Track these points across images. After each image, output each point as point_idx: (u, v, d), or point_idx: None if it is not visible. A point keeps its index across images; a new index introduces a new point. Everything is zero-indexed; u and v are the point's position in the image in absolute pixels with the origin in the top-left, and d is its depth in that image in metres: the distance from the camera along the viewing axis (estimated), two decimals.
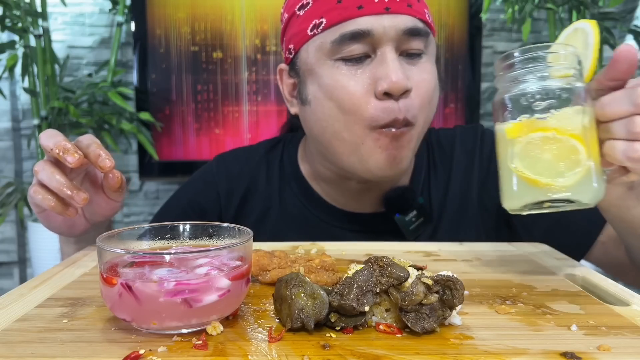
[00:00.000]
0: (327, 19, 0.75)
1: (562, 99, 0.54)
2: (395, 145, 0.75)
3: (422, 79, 0.76)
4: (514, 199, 0.58)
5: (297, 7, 0.79)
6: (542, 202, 0.56)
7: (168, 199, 0.99)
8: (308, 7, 0.77)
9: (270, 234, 0.86)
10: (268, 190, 0.93)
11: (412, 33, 0.74)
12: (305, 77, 0.80)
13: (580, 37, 0.60)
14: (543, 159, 0.54)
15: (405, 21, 0.73)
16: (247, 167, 0.95)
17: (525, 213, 0.58)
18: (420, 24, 0.75)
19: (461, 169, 0.92)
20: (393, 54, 0.73)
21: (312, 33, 0.77)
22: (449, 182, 0.91)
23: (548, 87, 0.54)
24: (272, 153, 0.96)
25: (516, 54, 0.56)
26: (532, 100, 0.55)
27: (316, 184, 0.91)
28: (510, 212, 0.59)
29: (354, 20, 0.73)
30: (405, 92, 0.73)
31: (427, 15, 0.77)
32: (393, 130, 0.74)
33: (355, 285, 0.45)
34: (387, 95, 0.73)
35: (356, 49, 0.74)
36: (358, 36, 0.73)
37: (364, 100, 0.74)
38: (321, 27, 0.75)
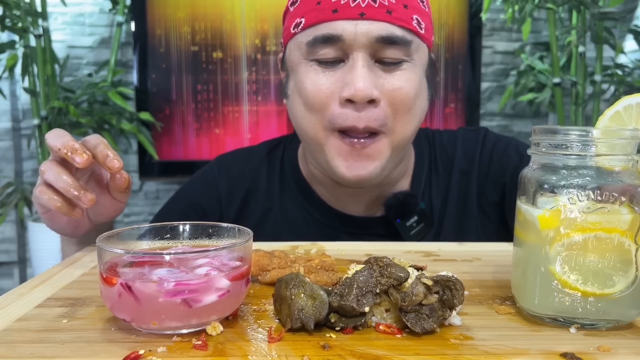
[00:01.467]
0: (306, 20, 0.75)
1: (613, 199, 0.45)
2: (357, 156, 0.75)
3: (396, 88, 0.73)
4: (541, 305, 0.47)
5: (290, 2, 0.80)
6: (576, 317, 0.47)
7: (168, 199, 0.98)
8: (297, 4, 0.78)
9: (271, 235, 0.86)
10: (269, 192, 0.93)
11: (387, 41, 0.72)
12: (289, 72, 0.81)
13: (636, 114, 0.49)
14: (585, 264, 0.45)
15: (380, 28, 0.72)
16: (247, 168, 0.95)
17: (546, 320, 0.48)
18: (398, 32, 0.72)
19: (461, 173, 0.91)
20: (363, 61, 0.72)
21: (294, 31, 0.77)
22: (449, 187, 0.90)
23: (603, 185, 0.45)
24: (273, 154, 0.96)
25: (568, 134, 0.46)
26: (576, 194, 0.45)
27: (316, 185, 0.91)
28: (528, 313, 0.49)
29: (328, 24, 0.73)
30: (371, 102, 0.72)
31: (414, 23, 0.74)
32: (354, 140, 0.74)
33: (355, 285, 0.45)
34: (351, 102, 0.72)
35: (328, 52, 0.73)
36: (329, 40, 0.72)
37: (327, 102, 0.74)
38: (300, 27, 0.76)
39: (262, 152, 0.97)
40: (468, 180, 0.90)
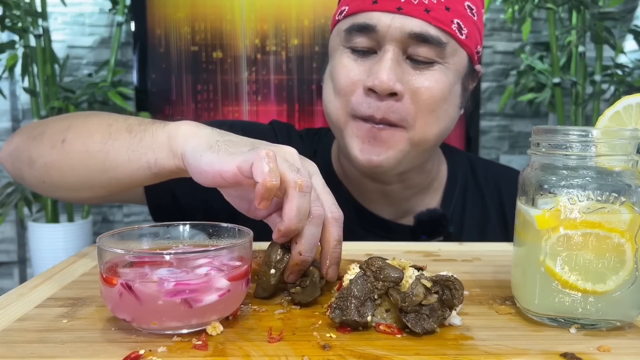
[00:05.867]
0: (349, 8, 0.77)
1: (613, 199, 0.45)
2: (373, 141, 0.75)
3: (423, 86, 0.73)
4: (541, 305, 0.47)
5: None
6: (577, 318, 0.47)
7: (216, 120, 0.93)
8: None
9: None
10: None
11: (420, 38, 0.72)
12: (329, 57, 0.83)
13: (636, 114, 0.49)
14: (585, 264, 0.45)
15: (414, 25, 0.72)
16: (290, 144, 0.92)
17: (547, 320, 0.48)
18: (432, 31, 0.72)
19: (501, 209, 0.90)
20: (393, 54, 0.73)
21: (337, 18, 0.80)
22: (488, 223, 0.89)
23: (603, 186, 0.45)
24: (309, 141, 0.95)
25: (568, 134, 0.46)
26: (576, 194, 0.45)
27: (346, 181, 0.89)
28: (528, 314, 0.50)
29: (366, 14, 0.74)
30: (393, 95, 0.73)
31: (453, 27, 0.74)
32: (372, 125, 0.74)
33: (352, 295, 0.45)
34: (373, 92, 0.73)
35: (362, 41, 0.75)
36: (364, 29, 0.74)
37: (352, 89, 0.75)
38: (343, 14, 0.78)
39: (303, 136, 0.95)
40: (505, 223, 0.90)
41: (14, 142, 0.75)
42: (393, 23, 0.72)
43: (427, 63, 0.74)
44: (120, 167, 0.63)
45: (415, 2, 0.72)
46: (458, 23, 0.75)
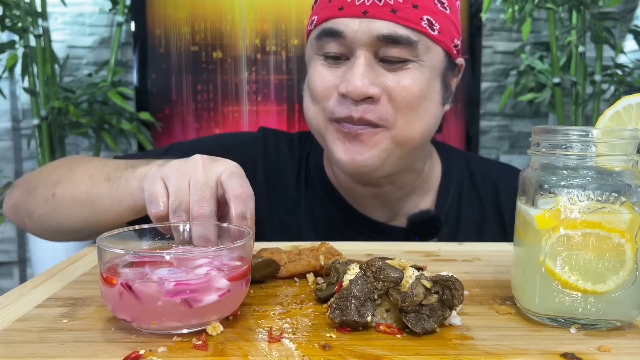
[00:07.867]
0: (318, 17, 0.77)
1: (613, 199, 0.45)
2: (353, 141, 0.75)
3: (398, 86, 0.73)
4: (541, 305, 0.47)
5: (314, 1, 0.83)
6: (577, 318, 0.47)
7: (197, 138, 0.95)
8: (316, 3, 0.81)
9: (295, 229, 0.85)
10: (296, 184, 0.91)
11: (389, 40, 0.72)
12: (306, 67, 0.83)
13: (636, 114, 0.49)
14: (585, 264, 0.45)
15: (381, 27, 0.71)
16: (284, 152, 0.93)
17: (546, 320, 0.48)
18: (401, 32, 0.72)
19: (498, 209, 0.90)
20: (364, 58, 0.72)
21: (309, 28, 0.80)
22: (485, 223, 0.89)
23: (603, 186, 0.45)
24: (302, 145, 0.95)
25: (568, 134, 0.46)
26: (577, 194, 0.45)
27: (338, 185, 0.89)
28: (528, 314, 0.50)
29: (334, 20, 0.74)
30: (369, 98, 0.72)
31: (423, 24, 0.73)
32: (351, 127, 0.74)
33: (353, 296, 0.45)
34: (347, 97, 0.73)
35: (332, 47, 0.75)
36: (332, 35, 0.74)
37: (328, 94, 0.76)
38: (313, 24, 0.78)
39: (294, 140, 0.95)
40: (501, 223, 0.89)
41: (12, 197, 0.84)
42: (360, 27, 0.72)
43: (401, 62, 0.74)
44: (107, 212, 0.71)
45: (381, 4, 0.72)
46: (428, 19, 0.74)
